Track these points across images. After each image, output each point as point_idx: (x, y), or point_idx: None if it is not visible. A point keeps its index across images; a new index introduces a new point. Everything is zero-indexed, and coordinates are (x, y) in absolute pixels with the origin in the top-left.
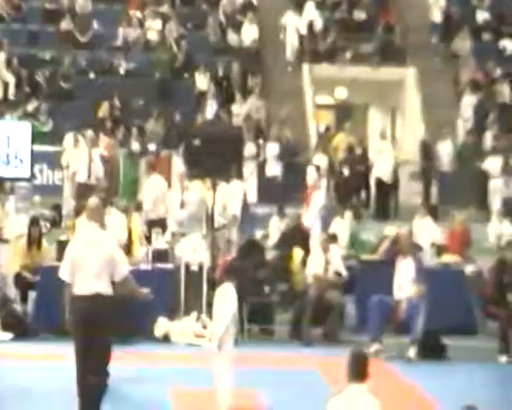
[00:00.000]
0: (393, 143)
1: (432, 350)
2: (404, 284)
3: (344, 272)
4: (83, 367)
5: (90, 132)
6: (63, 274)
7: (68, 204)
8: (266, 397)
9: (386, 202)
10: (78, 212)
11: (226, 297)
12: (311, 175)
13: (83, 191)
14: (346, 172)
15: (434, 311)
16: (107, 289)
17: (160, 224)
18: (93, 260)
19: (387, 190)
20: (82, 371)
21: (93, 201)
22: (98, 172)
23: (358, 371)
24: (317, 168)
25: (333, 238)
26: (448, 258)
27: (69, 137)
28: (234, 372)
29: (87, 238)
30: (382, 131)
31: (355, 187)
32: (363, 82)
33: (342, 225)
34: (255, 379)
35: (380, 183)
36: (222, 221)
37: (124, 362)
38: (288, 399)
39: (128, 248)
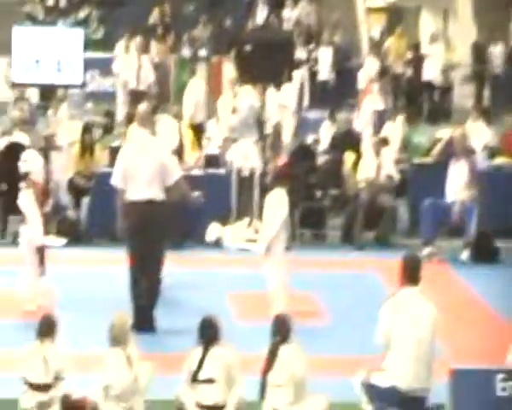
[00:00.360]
0: (446, 46)
1: (485, 253)
2: (458, 187)
3: (396, 176)
4: (136, 272)
5: (138, 39)
6: (115, 180)
7: (120, 111)
8: (323, 300)
9: (438, 105)
10: (130, 119)
11: (277, 202)
12: (362, 79)
13: (134, 98)
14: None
15: (487, 214)
16: (159, 195)
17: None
18: (145, 167)
19: (439, 93)
20: (136, 276)
21: (143, 107)
22: (148, 78)
23: (411, 274)
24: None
25: (385, 142)
26: (501, 160)
27: (120, 45)
28: (290, 276)
29: (138, 145)
30: (434, 33)
31: (408, 91)
32: None
33: (394, 128)
34: (311, 283)
35: (431, 86)
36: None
37: (177, 267)
38: (343, 301)
39: (180, 154)
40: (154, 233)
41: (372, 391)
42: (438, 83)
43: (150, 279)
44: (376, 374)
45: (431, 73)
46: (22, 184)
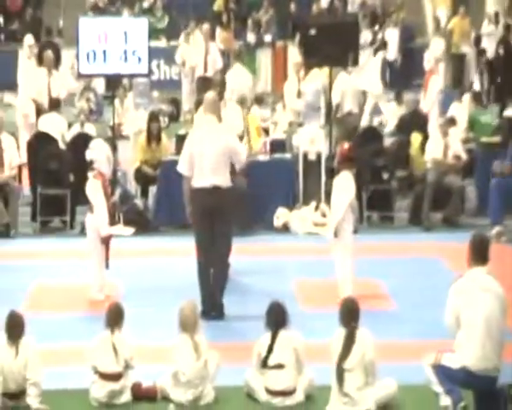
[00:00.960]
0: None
1: None
2: None
3: (463, 156)
4: (205, 259)
5: (205, 26)
6: (182, 168)
7: (186, 99)
8: (388, 286)
9: (502, 85)
10: (198, 106)
11: (344, 186)
12: (428, 60)
13: (202, 85)
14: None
15: None
16: (225, 181)
17: None
18: (211, 153)
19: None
20: (204, 263)
21: (210, 94)
22: (216, 64)
23: (480, 254)
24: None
25: (452, 122)
26: None
27: (185, 33)
28: (356, 262)
29: (205, 132)
30: (492, 14)
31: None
32: None
33: (461, 108)
34: (376, 269)
35: (492, 66)
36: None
37: (245, 253)
38: (410, 286)
39: (245, 140)
40: (222, 219)
41: (442, 373)
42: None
43: (218, 266)
44: (446, 356)
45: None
46: (89, 173)
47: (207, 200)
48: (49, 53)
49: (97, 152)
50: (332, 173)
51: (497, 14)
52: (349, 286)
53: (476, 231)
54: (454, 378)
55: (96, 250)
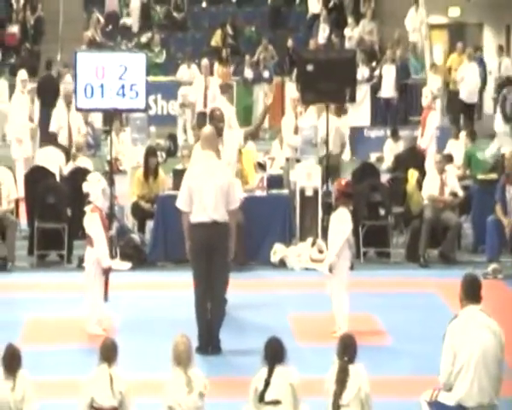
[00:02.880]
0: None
1: None
2: None
3: (460, 193)
4: (202, 294)
5: (205, 61)
6: (180, 204)
7: (180, 135)
8: (384, 321)
9: None
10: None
11: (341, 222)
12: (425, 96)
13: (202, 120)
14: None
15: None
16: (223, 217)
17: None
18: (210, 189)
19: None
20: (201, 297)
21: (207, 129)
22: (216, 99)
23: (473, 293)
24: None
25: (449, 159)
26: None
27: (183, 68)
28: (352, 297)
29: (203, 167)
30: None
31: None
32: (477, 0)
33: (457, 145)
34: (372, 303)
35: None
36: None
37: (242, 288)
38: (406, 321)
39: (243, 176)
40: (220, 254)
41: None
42: None
43: (216, 301)
44: (443, 393)
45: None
46: (86, 207)
47: (206, 235)
48: (68, 88)
49: (93, 186)
50: (329, 209)
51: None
52: (344, 321)
53: (470, 269)
54: None
55: (95, 284)
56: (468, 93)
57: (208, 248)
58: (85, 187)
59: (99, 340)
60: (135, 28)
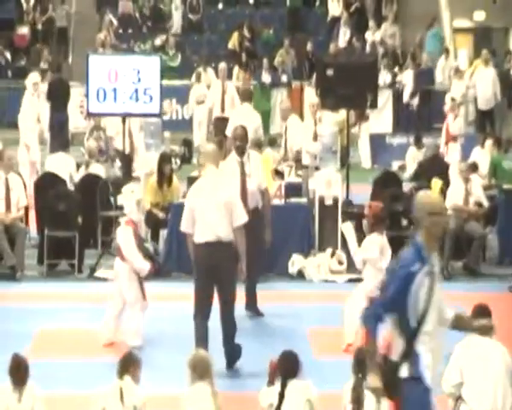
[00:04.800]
0: None
1: None
2: None
3: (485, 203)
4: (201, 311)
5: (222, 64)
6: (183, 226)
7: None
8: None
9: None
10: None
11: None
12: (448, 103)
13: (219, 125)
14: None
15: None
16: (228, 235)
17: None
18: (213, 206)
19: None
20: (200, 319)
21: (210, 147)
22: (234, 104)
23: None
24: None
25: (473, 167)
26: None
27: (198, 72)
28: None
29: (205, 183)
30: None
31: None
32: (503, 4)
33: (483, 153)
34: None
35: None
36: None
37: (259, 300)
38: None
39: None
40: (225, 270)
41: None
42: None
43: (226, 314)
44: (463, 406)
45: None
46: (121, 219)
47: (210, 254)
48: None
49: (127, 198)
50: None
51: None
52: (356, 334)
53: (478, 303)
54: None
55: (119, 295)
56: (483, 99)
57: (213, 268)
58: (120, 199)
59: (110, 353)
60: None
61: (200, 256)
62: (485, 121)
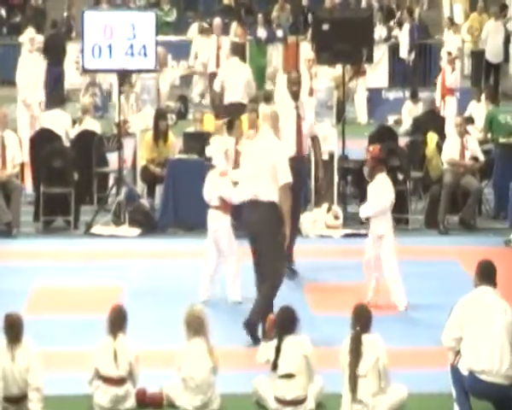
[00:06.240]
0: None
1: None
2: None
3: (481, 157)
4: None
5: (217, 20)
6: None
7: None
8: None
9: None
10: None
11: (384, 187)
12: (444, 57)
13: (214, 80)
14: None
15: None
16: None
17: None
18: (255, 166)
19: None
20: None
21: (268, 109)
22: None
23: (487, 279)
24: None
25: (469, 121)
26: None
27: (194, 27)
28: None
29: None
30: None
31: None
32: None
33: (479, 107)
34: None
35: None
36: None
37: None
38: (425, 291)
39: None
40: (263, 236)
41: (456, 377)
42: None
43: (262, 289)
44: (462, 359)
45: None
46: (213, 171)
47: (249, 214)
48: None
49: (215, 149)
50: (345, 174)
51: None
52: (402, 290)
53: (483, 259)
54: (465, 384)
55: (214, 252)
56: (493, 53)
57: (251, 229)
58: (208, 151)
59: (106, 309)
60: None
61: (241, 215)
62: (489, 74)
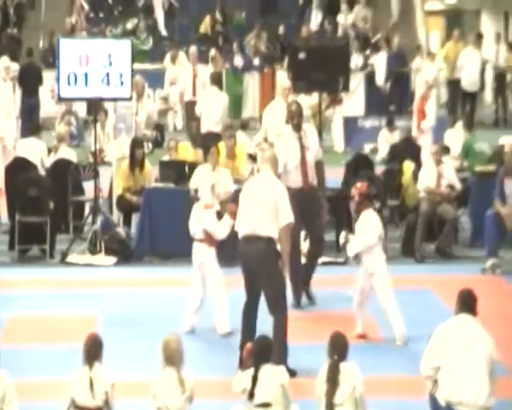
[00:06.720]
0: (508, 49)
1: None
2: None
3: (458, 185)
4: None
5: (193, 48)
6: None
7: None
8: (378, 319)
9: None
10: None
11: (371, 221)
12: (420, 85)
13: (190, 109)
14: None
15: None
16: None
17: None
18: (258, 202)
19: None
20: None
21: (271, 152)
22: (203, 88)
23: (469, 307)
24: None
25: (445, 150)
26: None
27: (173, 53)
28: (342, 294)
29: (257, 183)
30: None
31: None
32: None
33: (455, 135)
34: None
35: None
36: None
37: (235, 285)
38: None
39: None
40: (263, 271)
41: (434, 405)
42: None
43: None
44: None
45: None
46: (198, 204)
47: (249, 250)
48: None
49: (200, 181)
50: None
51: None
52: (400, 321)
53: (464, 288)
54: None
55: (201, 286)
56: (469, 81)
57: (252, 265)
58: (192, 182)
59: (81, 339)
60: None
61: (241, 252)
62: (465, 103)
